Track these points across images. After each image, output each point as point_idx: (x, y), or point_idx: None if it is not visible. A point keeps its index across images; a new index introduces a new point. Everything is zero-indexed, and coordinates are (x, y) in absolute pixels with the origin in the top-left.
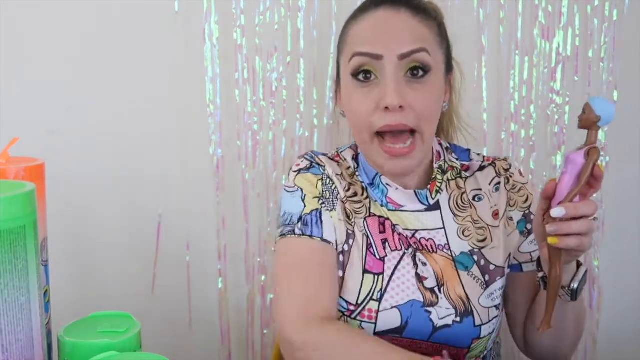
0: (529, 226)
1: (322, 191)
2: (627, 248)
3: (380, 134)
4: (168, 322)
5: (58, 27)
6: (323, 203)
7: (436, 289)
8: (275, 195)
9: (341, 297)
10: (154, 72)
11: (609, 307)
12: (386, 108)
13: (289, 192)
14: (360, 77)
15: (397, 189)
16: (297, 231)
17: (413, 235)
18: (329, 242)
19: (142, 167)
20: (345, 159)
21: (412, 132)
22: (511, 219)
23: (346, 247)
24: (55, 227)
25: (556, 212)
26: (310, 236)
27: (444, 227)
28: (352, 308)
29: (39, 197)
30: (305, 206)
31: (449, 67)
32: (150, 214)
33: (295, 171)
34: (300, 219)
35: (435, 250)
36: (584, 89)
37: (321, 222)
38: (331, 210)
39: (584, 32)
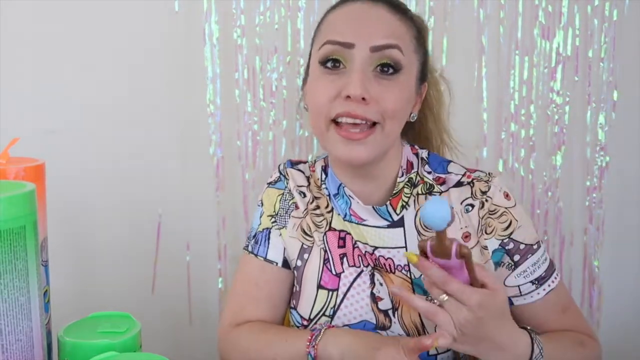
0: (515, 257)
1: (279, 208)
2: (627, 248)
3: (337, 123)
4: (168, 322)
5: (58, 27)
6: (275, 222)
7: (390, 312)
8: None
9: (296, 311)
10: (154, 72)
11: (609, 307)
12: (348, 97)
13: (257, 205)
14: (329, 64)
15: (357, 202)
16: (249, 248)
17: (373, 252)
18: (272, 262)
19: (142, 167)
20: (317, 169)
21: (373, 124)
22: (486, 247)
23: (299, 263)
24: (55, 227)
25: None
26: (256, 255)
27: (405, 246)
28: (304, 323)
29: (39, 197)
30: (260, 223)
31: (422, 77)
32: (150, 214)
33: (267, 183)
34: (254, 235)
35: (393, 271)
36: (584, 89)
37: (268, 241)
38: (281, 228)
39: (584, 32)
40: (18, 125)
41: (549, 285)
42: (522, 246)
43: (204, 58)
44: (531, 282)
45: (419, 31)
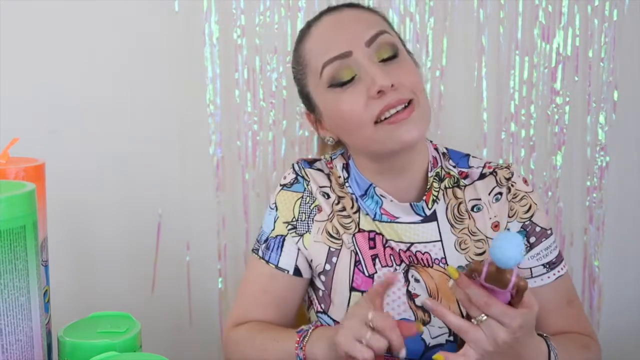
0: (531, 239)
1: (298, 213)
2: (627, 248)
3: (381, 121)
4: (168, 322)
5: (58, 27)
6: (293, 228)
7: None
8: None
9: (327, 315)
10: (154, 72)
11: (609, 307)
12: (379, 92)
13: (270, 208)
14: (338, 82)
15: (391, 200)
16: (259, 252)
17: (408, 249)
18: (283, 270)
19: (142, 167)
20: (336, 167)
21: (408, 103)
22: (508, 229)
23: (328, 267)
24: (55, 227)
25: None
26: (267, 261)
27: (440, 240)
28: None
29: (39, 197)
30: (274, 229)
31: (408, 52)
32: (150, 214)
33: (281, 185)
34: (266, 240)
35: (431, 265)
36: (584, 89)
37: (281, 249)
38: (303, 234)
39: (584, 32)
40: (18, 125)
41: (559, 271)
42: (537, 229)
43: (204, 58)
44: (543, 265)
45: (383, 15)
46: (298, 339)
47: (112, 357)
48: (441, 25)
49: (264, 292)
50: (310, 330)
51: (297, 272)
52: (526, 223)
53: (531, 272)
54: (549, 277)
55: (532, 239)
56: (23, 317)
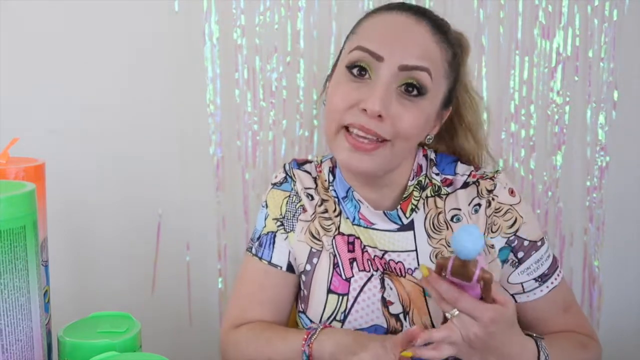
0: (519, 254)
1: (285, 211)
2: (627, 248)
3: (347, 129)
4: (168, 322)
5: (58, 27)
6: (281, 225)
7: (401, 316)
8: None
9: (306, 315)
10: (154, 72)
11: (609, 307)
12: (364, 110)
13: (262, 206)
14: (355, 71)
15: (367, 207)
16: (253, 250)
17: (382, 256)
18: (276, 266)
19: (142, 167)
20: (324, 170)
21: (383, 140)
22: (492, 246)
23: (309, 267)
24: (55, 227)
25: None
26: (260, 258)
27: (415, 250)
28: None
29: (39, 197)
30: (265, 226)
31: (447, 102)
32: (150, 214)
33: (272, 184)
34: (259, 237)
35: (403, 275)
36: (584, 89)
37: (273, 245)
38: (289, 232)
39: (584, 32)
40: (18, 125)
41: (552, 283)
42: (526, 243)
43: (204, 58)
44: (534, 279)
45: (454, 55)
46: (306, 336)
47: (112, 357)
48: None
49: (259, 289)
50: (319, 329)
51: (290, 268)
52: (511, 238)
53: (522, 287)
54: (541, 291)
55: (520, 254)
56: (23, 317)
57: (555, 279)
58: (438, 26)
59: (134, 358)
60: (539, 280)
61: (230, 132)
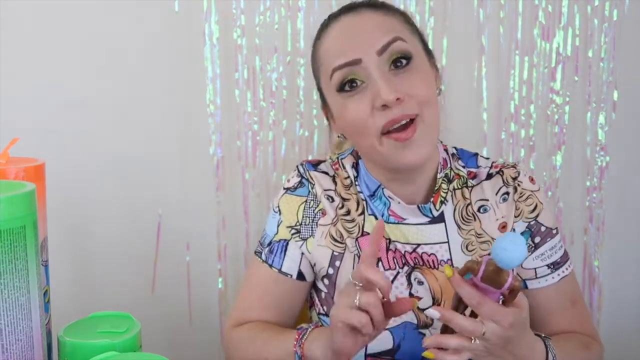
0: (536, 239)
1: (302, 217)
2: (627, 248)
3: (386, 133)
4: (168, 322)
5: (58, 26)
6: (296, 233)
7: (431, 310)
8: (275, 195)
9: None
10: (154, 72)
11: (609, 307)
12: (383, 105)
13: (273, 211)
14: (346, 87)
15: (399, 202)
16: (262, 256)
17: (414, 250)
18: (286, 274)
19: (142, 167)
20: (344, 167)
21: (412, 120)
22: (513, 230)
23: (331, 270)
24: (55, 227)
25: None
26: (270, 265)
27: (447, 241)
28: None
29: (39, 197)
30: (277, 233)
31: (428, 53)
32: (150, 214)
33: (284, 188)
34: (269, 243)
35: (436, 266)
36: (584, 89)
37: (285, 253)
38: (307, 238)
39: (584, 32)
40: (18, 125)
41: (564, 272)
42: (543, 228)
43: (204, 58)
44: (547, 265)
45: (404, 15)
46: (297, 337)
47: (112, 357)
48: (441, 25)
49: (266, 294)
50: (309, 329)
51: (301, 276)
52: (531, 223)
53: (535, 272)
54: (553, 278)
55: (537, 239)
56: (23, 317)
57: (567, 268)
58: (374, 5)
59: (134, 358)
60: (552, 267)
61: (230, 132)
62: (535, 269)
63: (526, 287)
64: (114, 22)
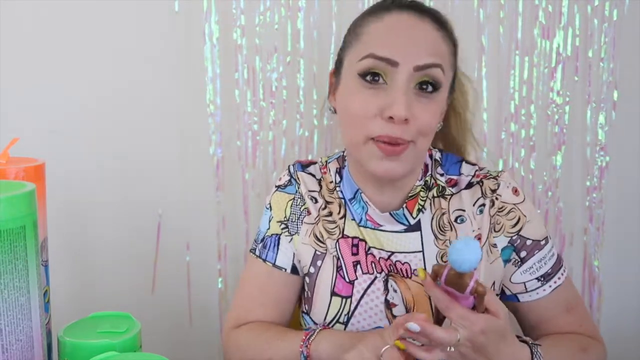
0: (522, 254)
1: (290, 214)
2: (627, 248)
3: (374, 139)
4: (168, 322)
5: (58, 27)
6: (285, 228)
7: None
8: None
9: (309, 317)
10: (154, 72)
11: (609, 307)
12: (390, 118)
13: (266, 208)
14: (368, 77)
15: (374, 209)
16: (256, 252)
17: (389, 258)
18: (280, 268)
19: (142, 167)
20: (330, 171)
21: (408, 142)
22: (494, 245)
23: (312, 269)
24: (55, 227)
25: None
26: (264, 260)
27: (422, 250)
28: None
29: (39, 197)
30: (269, 228)
31: (452, 89)
32: (150, 214)
33: (276, 186)
34: (262, 239)
35: (409, 276)
36: (584, 89)
37: (277, 247)
38: (293, 235)
39: (584, 32)
40: (18, 125)
41: (555, 282)
42: (528, 242)
43: (204, 58)
44: (537, 278)
45: (454, 45)
46: (304, 337)
47: (112, 357)
48: None
49: (262, 290)
50: (317, 330)
51: (294, 270)
52: (514, 237)
53: (525, 286)
54: (544, 290)
55: (523, 253)
56: (23, 317)
57: (559, 278)
58: (439, 21)
59: (134, 358)
60: (542, 279)
61: (230, 132)
62: (524, 283)
63: (517, 300)
64: (114, 22)
